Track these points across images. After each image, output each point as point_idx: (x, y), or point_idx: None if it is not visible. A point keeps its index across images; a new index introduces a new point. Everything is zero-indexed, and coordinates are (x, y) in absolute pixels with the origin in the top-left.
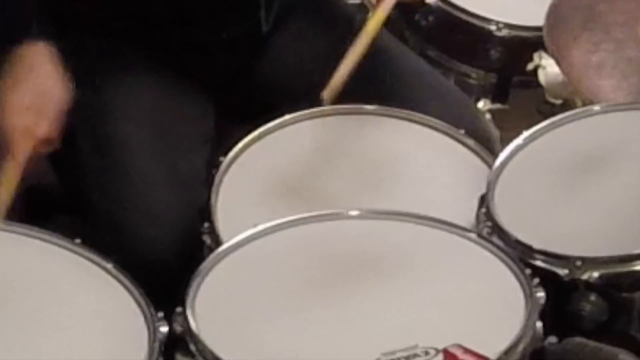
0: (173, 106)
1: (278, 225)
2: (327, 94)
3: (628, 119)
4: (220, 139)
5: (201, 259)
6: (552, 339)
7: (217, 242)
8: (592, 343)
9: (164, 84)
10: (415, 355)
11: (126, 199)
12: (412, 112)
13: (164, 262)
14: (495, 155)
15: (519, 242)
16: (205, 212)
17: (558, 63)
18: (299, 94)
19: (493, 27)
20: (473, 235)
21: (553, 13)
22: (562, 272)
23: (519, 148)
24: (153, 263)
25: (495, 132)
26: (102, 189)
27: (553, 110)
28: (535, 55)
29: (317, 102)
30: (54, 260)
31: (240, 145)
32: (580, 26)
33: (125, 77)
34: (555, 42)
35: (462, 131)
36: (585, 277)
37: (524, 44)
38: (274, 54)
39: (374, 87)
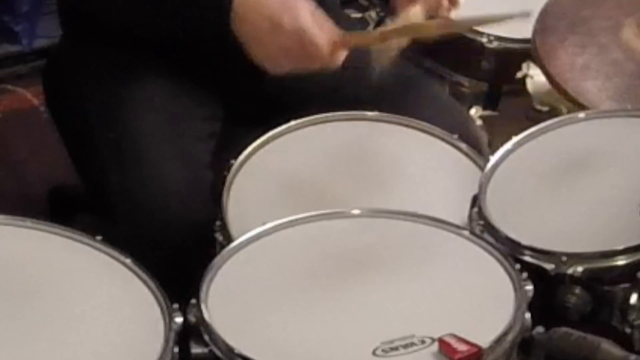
0: (185, 106)
1: (285, 223)
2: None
3: (610, 126)
4: (231, 142)
5: (213, 254)
6: (540, 329)
7: (229, 239)
8: (576, 333)
9: (178, 89)
10: (413, 344)
11: (141, 194)
12: (410, 119)
13: (177, 253)
14: (486, 158)
15: (508, 239)
16: (216, 211)
17: (545, 65)
18: (306, 101)
19: (484, 40)
20: (466, 233)
21: (542, 18)
22: (549, 266)
23: (509, 152)
24: (167, 254)
25: (485, 137)
26: (118, 185)
27: (540, 117)
28: (524, 65)
29: (323, 108)
30: (77, 255)
31: (249, 149)
32: (567, 30)
33: (142, 83)
34: (543, 45)
35: (456, 136)
36: (570, 271)
37: (513, 55)
38: None
39: (375, 96)
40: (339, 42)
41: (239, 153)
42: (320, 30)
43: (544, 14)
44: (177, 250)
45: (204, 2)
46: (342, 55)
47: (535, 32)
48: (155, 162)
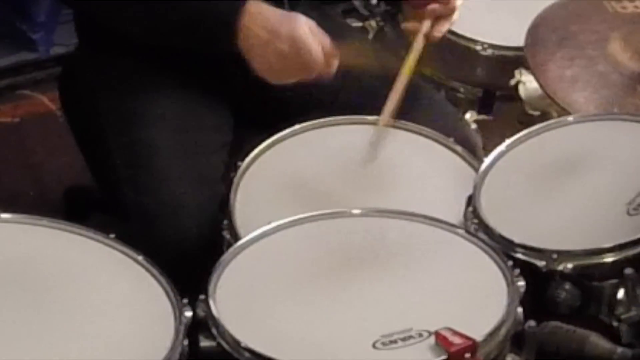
0: (196, 115)
1: (289, 222)
2: (382, 120)
3: (598, 129)
4: (238, 145)
5: (221, 252)
6: (531, 323)
7: (236, 237)
8: (566, 326)
9: (188, 95)
10: (411, 337)
11: (153, 193)
12: (408, 122)
13: (187, 251)
14: (480, 160)
15: (502, 237)
16: (225, 211)
17: (536, 77)
18: (309, 106)
19: (479, 47)
20: (461, 231)
21: (532, 32)
22: (540, 263)
23: (502, 154)
24: (177, 253)
25: (480, 140)
26: (132, 185)
27: (532, 121)
28: (516, 72)
29: (325, 113)
30: (91, 253)
31: (255, 151)
32: (557, 44)
33: (154, 89)
34: (534, 58)
35: (452, 139)
36: (560, 268)
37: (506, 62)
38: None
39: (375, 101)
40: (332, 52)
41: (246, 155)
42: (314, 39)
43: (535, 28)
44: (187, 249)
45: (212, 20)
46: (335, 64)
47: (526, 45)
48: (170, 181)
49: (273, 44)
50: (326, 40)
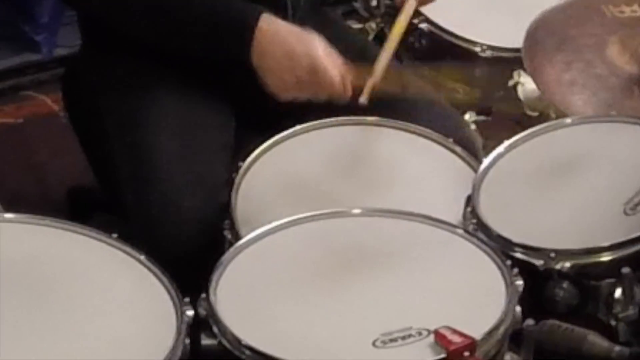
0: (197, 117)
1: (290, 222)
2: (363, 98)
3: (595, 130)
4: (240, 146)
5: (222, 251)
6: (530, 321)
7: (237, 237)
8: (564, 325)
9: (190, 97)
10: (410, 335)
11: (154, 196)
12: (408, 123)
13: (188, 251)
14: (479, 161)
15: (500, 237)
16: (226, 210)
17: (535, 80)
18: (310, 107)
19: (478, 49)
20: (460, 231)
21: (530, 36)
22: (538, 262)
23: (501, 155)
24: (179, 253)
25: (479, 141)
26: (133, 186)
27: (530, 122)
28: (515, 73)
29: (326, 113)
30: (94, 252)
31: (256, 152)
32: (554, 48)
33: (157, 90)
34: (532, 61)
35: (451, 140)
36: (558, 267)
37: (505, 63)
38: None
39: (376, 101)
40: (347, 76)
41: (247, 156)
42: (332, 63)
43: (533, 32)
44: (189, 248)
45: (226, 36)
46: (349, 88)
47: (524, 49)
48: (171, 182)
49: (291, 70)
50: (343, 64)
